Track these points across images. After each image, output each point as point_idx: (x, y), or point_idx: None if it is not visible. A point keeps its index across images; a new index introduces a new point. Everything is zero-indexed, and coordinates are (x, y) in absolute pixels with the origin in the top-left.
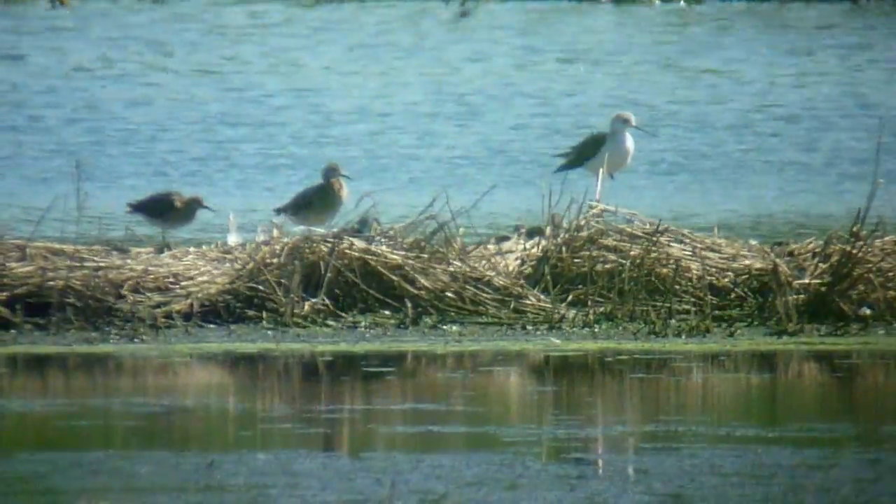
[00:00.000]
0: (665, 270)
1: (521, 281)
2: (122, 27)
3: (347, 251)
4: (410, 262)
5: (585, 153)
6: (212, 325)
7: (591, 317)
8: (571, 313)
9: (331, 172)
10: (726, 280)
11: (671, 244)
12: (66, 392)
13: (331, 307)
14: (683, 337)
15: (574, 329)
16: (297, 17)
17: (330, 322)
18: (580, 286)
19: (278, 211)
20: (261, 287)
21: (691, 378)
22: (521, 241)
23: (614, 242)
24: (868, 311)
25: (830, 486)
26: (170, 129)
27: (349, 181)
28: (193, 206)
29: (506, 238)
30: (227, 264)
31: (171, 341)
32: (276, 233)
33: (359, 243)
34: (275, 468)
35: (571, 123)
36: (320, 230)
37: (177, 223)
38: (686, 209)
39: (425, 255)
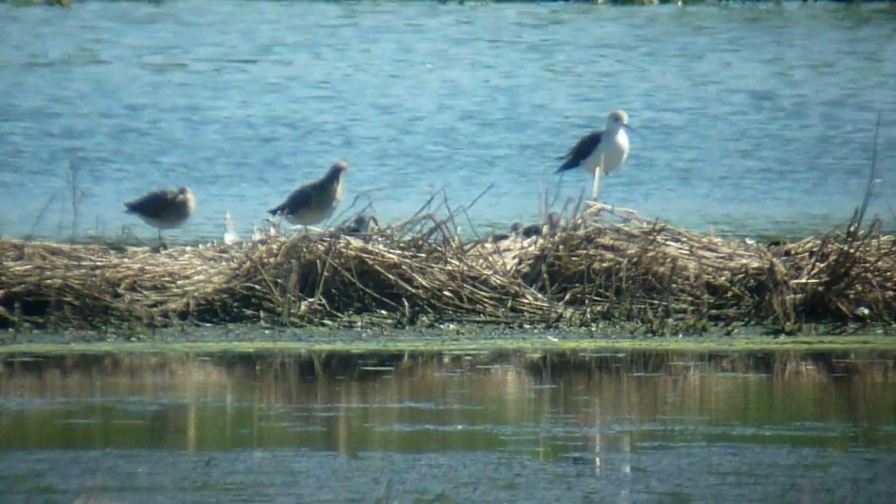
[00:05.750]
0: (662, 269)
1: (519, 280)
2: (119, 26)
3: (344, 250)
4: (407, 260)
5: (582, 152)
6: (208, 324)
7: (589, 315)
8: (569, 312)
9: (337, 172)
10: (723, 279)
11: (668, 243)
12: (64, 390)
13: (327, 306)
14: (680, 336)
15: (571, 328)
16: (298, 17)
17: (327, 321)
18: (577, 285)
19: (275, 211)
20: (257, 286)
21: (688, 377)
22: (519, 240)
23: (611, 241)
24: (865, 311)
25: (828, 486)
26: (167, 128)
27: (347, 181)
28: (182, 198)
29: (503, 237)
30: (224, 263)
31: (167, 340)
32: (272, 232)
33: (356, 242)
34: (272, 467)
35: (569, 123)
36: (317, 229)
37: (174, 221)
38: (682, 209)
39: (422, 254)
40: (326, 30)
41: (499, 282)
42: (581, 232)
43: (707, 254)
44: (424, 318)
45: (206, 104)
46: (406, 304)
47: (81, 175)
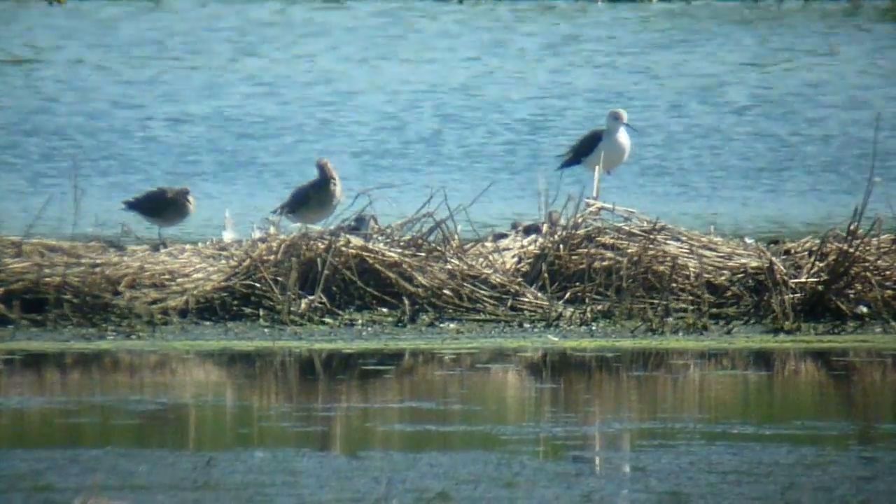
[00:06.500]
0: (662, 268)
1: (519, 278)
2: (118, 25)
3: (344, 248)
4: (407, 259)
5: (582, 150)
6: (208, 323)
7: (589, 314)
8: (569, 311)
9: (324, 168)
10: (723, 278)
11: (668, 242)
12: (63, 389)
13: (327, 305)
14: (680, 334)
15: (571, 326)
16: (295, 14)
17: (327, 320)
18: (577, 283)
19: (276, 211)
20: (257, 284)
21: (688, 376)
22: (519, 239)
23: (611, 240)
24: (865, 310)
25: (827, 484)
26: (166, 126)
27: (345, 179)
28: (182, 197)
29: (503, 235)
30: (223, 261)
31: (167, 338)
32: (272, 230)
33: (356, 241)
34: (272, 466)
35: (569, 121)
36: (317, 227)
37: (174, 220)
38: (682, 208)
39: (422, 253)
40: (324, 29)
41: (499, 280)
42: (581, 231)
43: (707, 253)
44: (424, 317)
45: (200, 103)
46: (406, 302)
47: (80, 173)
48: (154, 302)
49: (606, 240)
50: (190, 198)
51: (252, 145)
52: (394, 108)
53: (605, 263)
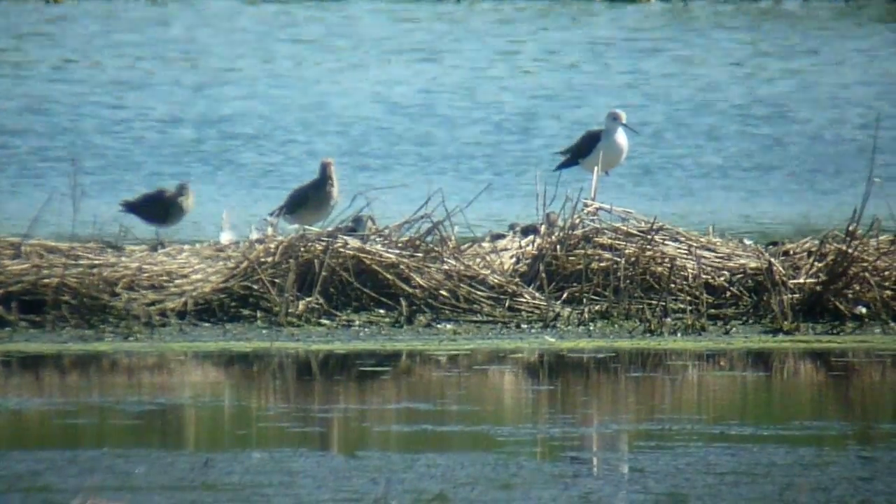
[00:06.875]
0: (660, 269)
1: (516, 279)
2: (115, 24)
3: (342, 250)
4: (405, 260)
5: (581, 151)
6: (206, 324)
7: (587, 315)
8: (566, 311)
9: (326, 168)
10: (721, 279)
11: (666, 242)
12: (61, 390)
13: (325, 306)
14: (679, 335)
15: (569, 327)
16: (290, 14)
17: (324, 321)
18: (575, 284)
19: (273, 212)
20: (255, 286)
21: (686, 376)
22: (516, 240)
23: (609, 240)
24: (863, 310)
25: (825, 485)
26: (165, 126)
27: (343, 180)
28: (180, 196)
29: (501, 236)
30: (221, 263)
31: (165, 339)
32: (270, 231)
33: (353, 242)
34: (270, 467)
35: (567, 121)
36: (315, 229)
37: (171, 221)
38: (680, 209)
39: (420, 254)
40: (319, 31)
41: (496, 281)
42: (579, 231)
43: (705, 253)
44: (422, 318)
45: (193, 103)
46: (403, 303)
47: (78, 173)
48: (152, 303)
49: (604, 240)
50: (188, 193)
51: (249, 145)
52: (390, 107)
53: (602, 264)
